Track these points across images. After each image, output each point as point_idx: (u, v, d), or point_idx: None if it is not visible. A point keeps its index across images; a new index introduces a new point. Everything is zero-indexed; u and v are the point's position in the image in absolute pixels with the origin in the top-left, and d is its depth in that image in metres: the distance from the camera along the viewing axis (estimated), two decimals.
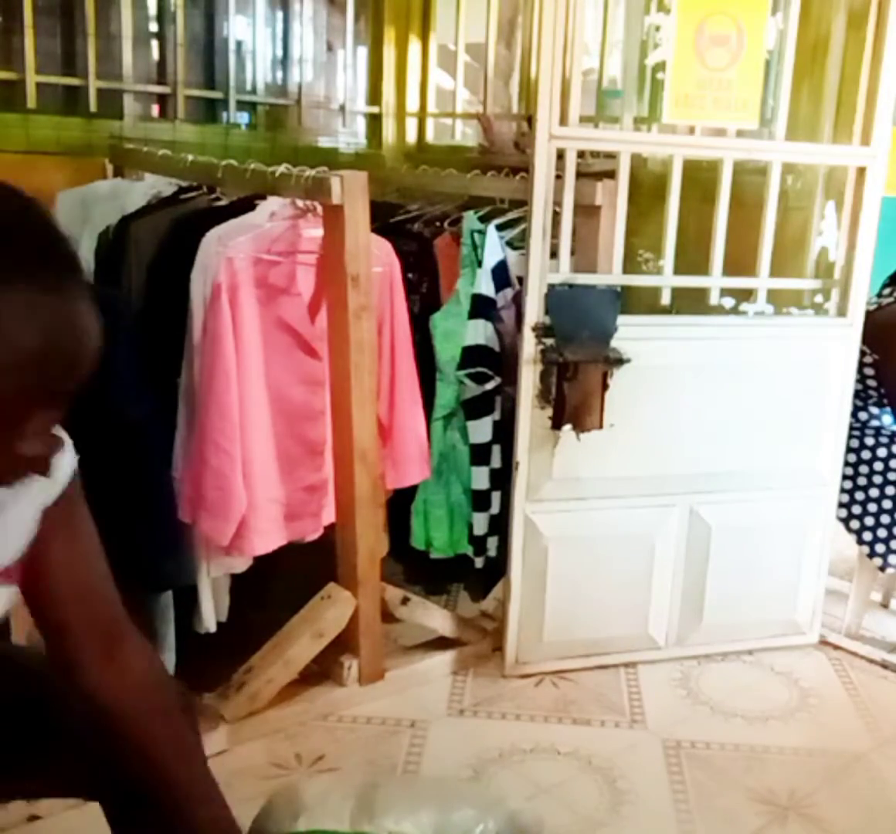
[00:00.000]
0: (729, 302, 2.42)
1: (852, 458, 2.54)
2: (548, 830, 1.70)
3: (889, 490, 2.52)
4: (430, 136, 3.72)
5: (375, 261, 2.04)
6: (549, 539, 2.32)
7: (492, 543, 2.50)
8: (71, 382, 0.89)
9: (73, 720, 1.14)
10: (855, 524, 2.54)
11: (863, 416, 2.57)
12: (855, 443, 2.54)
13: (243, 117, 3.41)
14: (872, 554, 2.51)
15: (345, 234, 1.90)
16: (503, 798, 1.69)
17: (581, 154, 2.23)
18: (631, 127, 2.31)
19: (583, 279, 2.22)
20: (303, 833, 1.45)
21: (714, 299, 2.37)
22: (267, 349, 2.01)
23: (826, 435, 2.46)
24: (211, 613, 2.12)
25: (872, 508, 2.53)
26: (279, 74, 3.58)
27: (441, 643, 2.40)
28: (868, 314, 2.44)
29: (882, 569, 2.53)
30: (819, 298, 2.51)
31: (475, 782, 1.96)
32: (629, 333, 2.21)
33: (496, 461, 2.45)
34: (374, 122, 3.70)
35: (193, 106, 3.28)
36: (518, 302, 2.31)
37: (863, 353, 2.49)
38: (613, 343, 2.20)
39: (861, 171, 2.33)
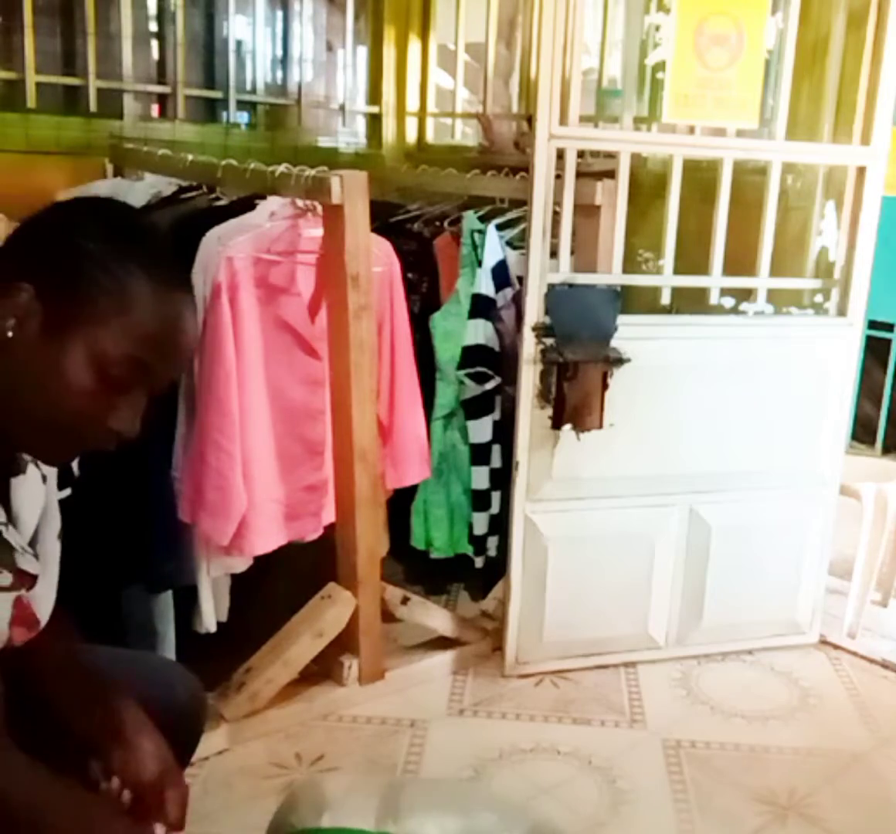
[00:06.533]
0: (729, 302, 2.42)
1: None
2: None
3: None
4: (430, 136, 3.72)
5: (375, 261, 2.04)
6: (549, 539, 2.32)
7: (492, 542, 2.51)
8: (170, 369, 1.05)
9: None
10: None
11: None
12: None
13: (243, 117, 3.41)
14: None
15: (345, 233, 1.90)
16: (527, 807, 1.67)
17: (581, 154, 2.23)
18: (631, 127, 2.31)
19: (583, 279, 2.22)
20: (329, 830, 1.43)
21: (714, 299, 2.37)
22: (267, 349, 2.01)
23: (826, 435, 2.46)
24: (211, 613, 2.12)
25: None
26: (279, 74, 3.58)
27: (441, 643, 2.40)
28: None
29: None
30: (819, 298, 2.51)
31: (490, 786, 1.95)
32: (629, 333, 2.21)
33: (496, 461, 2.45)
34: (374, 121, 3.70)
35: (193, 106, 3.27)
36: (518, 302, 2.31)
37: None
38: (613, 343, 2.20)
39: (861, 171, 2.33)
